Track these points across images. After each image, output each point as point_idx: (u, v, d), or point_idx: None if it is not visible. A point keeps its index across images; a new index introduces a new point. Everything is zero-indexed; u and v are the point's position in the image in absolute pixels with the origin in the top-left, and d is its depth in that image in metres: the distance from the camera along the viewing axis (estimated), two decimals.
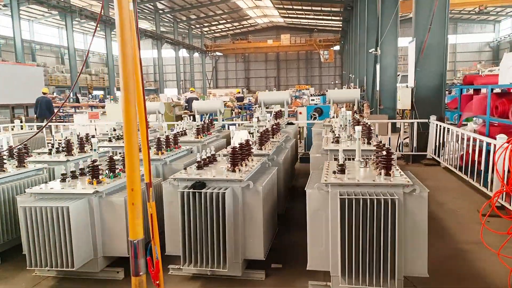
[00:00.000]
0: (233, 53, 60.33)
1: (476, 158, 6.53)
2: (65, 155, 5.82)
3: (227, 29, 60.20)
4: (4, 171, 4.87)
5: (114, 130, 7.68)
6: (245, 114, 18.19)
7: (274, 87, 59.96)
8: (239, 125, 10.43)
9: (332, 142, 5.44)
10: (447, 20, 8.99)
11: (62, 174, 4.38)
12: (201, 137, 7.16)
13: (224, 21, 54.89)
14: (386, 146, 3.87)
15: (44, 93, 16.84)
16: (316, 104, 13.98)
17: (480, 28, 50.62)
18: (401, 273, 3.44)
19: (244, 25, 59.66)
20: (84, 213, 4.05)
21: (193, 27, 55.24)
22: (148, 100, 30.04)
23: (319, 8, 43.84)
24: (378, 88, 15.70)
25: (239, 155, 4.34)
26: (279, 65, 62.90)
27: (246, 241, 4.06)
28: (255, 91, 55.19)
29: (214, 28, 58.65)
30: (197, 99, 18.76)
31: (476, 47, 51.17)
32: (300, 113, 12.20)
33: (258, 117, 8.39)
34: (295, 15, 51.45)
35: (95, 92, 43.53)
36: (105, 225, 4.18)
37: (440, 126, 8.71)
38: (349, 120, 5.93)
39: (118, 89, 46.24)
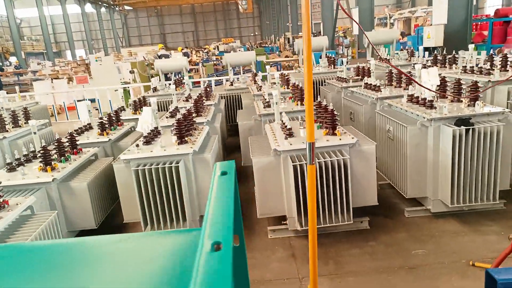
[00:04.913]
0: (144, 7, 55.59)
1: None
2: None
3: None
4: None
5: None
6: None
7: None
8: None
9: None
10: None
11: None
12: None
13: None
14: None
15: None
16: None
17: None
18: None
19: None
20: None
21: None
22: (72, 64, 26.75)
23: None
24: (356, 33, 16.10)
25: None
26: (195, 18, 59.95)
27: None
28: (172, 48, 52.32)
29: None
30: (168, 56, 17.25)
31: None
32: None
33: None
34: None
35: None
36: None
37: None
38: None
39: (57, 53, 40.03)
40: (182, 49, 29.82)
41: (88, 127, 5.71)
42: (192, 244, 0.99)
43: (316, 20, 25.96)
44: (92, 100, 9.59)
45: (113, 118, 5.87)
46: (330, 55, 9.20)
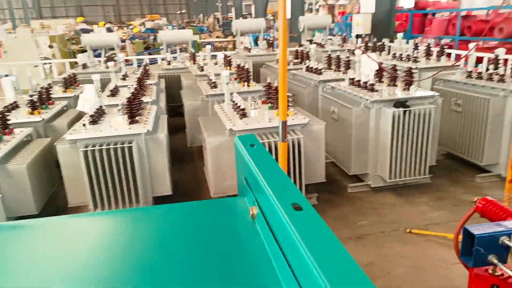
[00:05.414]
0: None
1: None
2: None
3: None
4: None
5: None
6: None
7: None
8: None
9: None
10: None
11: None
12: None
13: None
14: None
15: None
16: None
17: None
18: None
19: None
20: None
21: None
22: None
23: None
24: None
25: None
26: None
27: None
28: (91, 22, 48.52)
29: None
30: (90, 31, 16.04)
31: None
32: None
33: None
34: None
35: None
36: None
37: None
38: None
39: None
40: (105, 24, 27.87)
41: (15, 105, 5.19)
42: (241, 210, 1.02)
43: (247, 1, 25.91)
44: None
45: (44, 96, 5.39)
46: (267, 37, 9.33)
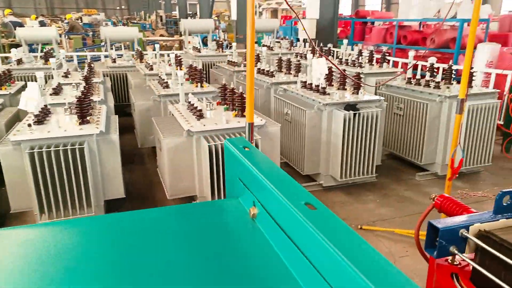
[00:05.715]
0: None
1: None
2: None
3: None
4: None
5: None
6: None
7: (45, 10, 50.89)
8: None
9: None
10: None
11: None
12: None
13: None
14: None
15: None
16: None
17: None
18: None
19: None
20: None
21: None
22: None
23: None
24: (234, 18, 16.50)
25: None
26: None
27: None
28: (20, 15, 45.04)
29: None
30: (20, 24, 14.87)
31: None
32: None
33: None
34: None
35: None
36: None
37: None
38: None
39: None
40: (37, 17, 25.98)
41: None
42: (238, 211, 1.04)
43: (192, 0, 25.55)
44: None
45: None
46: (216, 38, 9.30)
